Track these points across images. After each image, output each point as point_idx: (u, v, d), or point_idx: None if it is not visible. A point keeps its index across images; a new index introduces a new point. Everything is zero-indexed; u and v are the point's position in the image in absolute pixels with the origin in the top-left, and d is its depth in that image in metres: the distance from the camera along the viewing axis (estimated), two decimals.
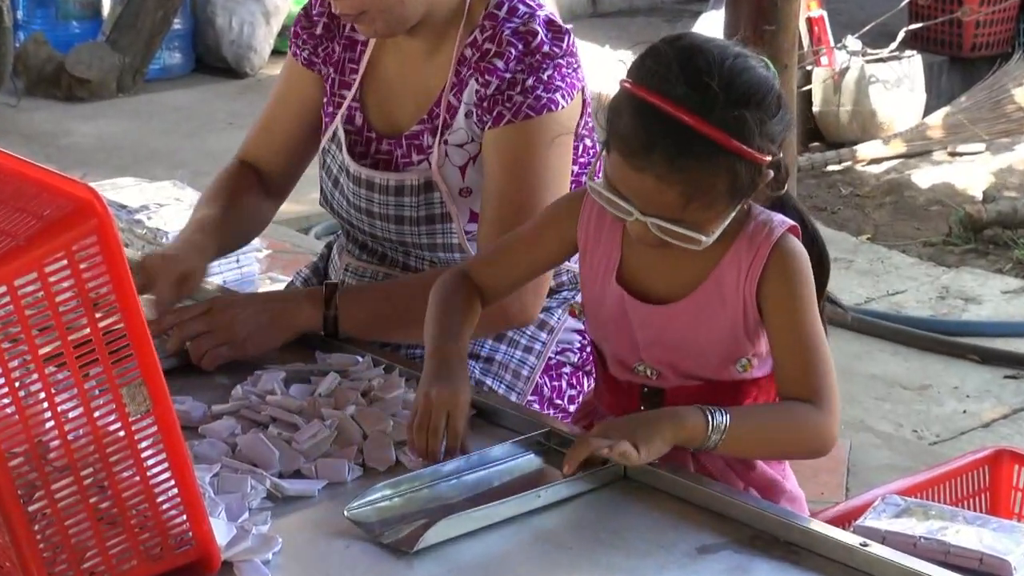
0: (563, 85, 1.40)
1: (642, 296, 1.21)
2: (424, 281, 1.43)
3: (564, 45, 1.41)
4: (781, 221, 1.18)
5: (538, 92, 1.38)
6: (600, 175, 1.17)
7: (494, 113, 1.39)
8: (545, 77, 1.39)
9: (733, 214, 1.14)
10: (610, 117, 1.13)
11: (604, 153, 1.15)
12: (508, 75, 1.39)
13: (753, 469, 1.23)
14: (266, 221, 1.59)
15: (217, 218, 1.47)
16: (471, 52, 1.42)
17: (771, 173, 1.15)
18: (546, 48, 1.40)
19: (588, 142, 1.50)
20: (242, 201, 1.52)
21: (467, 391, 1.18)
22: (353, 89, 1.50)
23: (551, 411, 1.50)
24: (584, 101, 1.46)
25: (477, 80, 1.41)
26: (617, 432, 1.11)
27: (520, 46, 1.40)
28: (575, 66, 1.43)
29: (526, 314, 1.40)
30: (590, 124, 1.49)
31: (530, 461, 1.19)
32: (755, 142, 1.10)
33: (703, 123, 1.09)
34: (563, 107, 1.40)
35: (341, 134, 1.50)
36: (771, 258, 1.16)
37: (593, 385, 1.35)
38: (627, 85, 1.13)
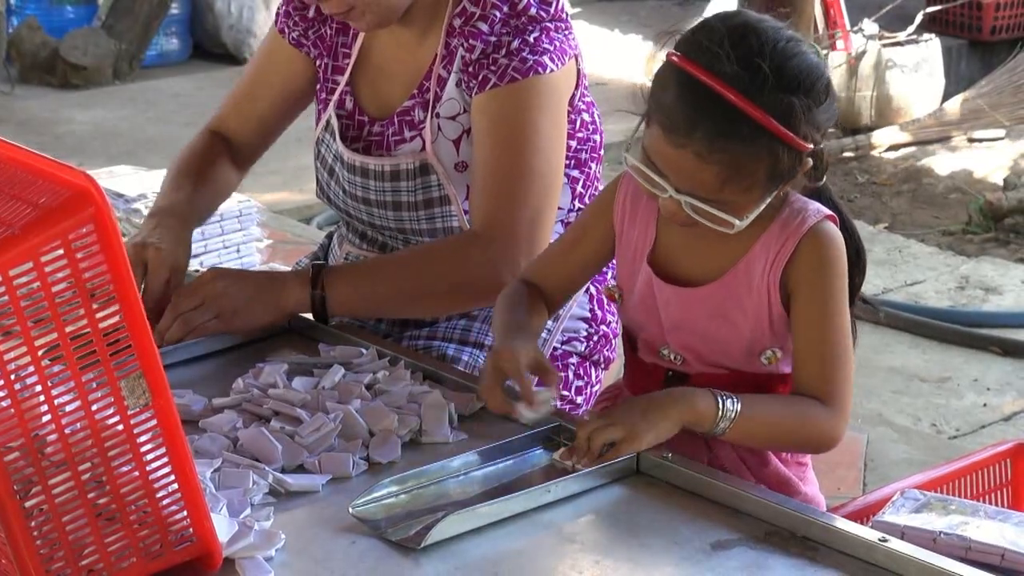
0: (551, 48, 1.37)
1: (672, 279, 1.19)
2: (412, 255, 1.41)
3: (552, 9, 1.39)
4: (817, 210, 1.16)
5: (524, 54, 1.35)
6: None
7: (479, 78, 1.36)
8: (531, 39, 1.36)
9: (769, 200, 1.12)
10: (654, 89, 1.12)
11: (644, 125, 1.13)
12: (493, 38, 1.36)
13: (767, 466, 1.21)
14: (233, 189, 1.59)
15: (189, 201, 1.47)
16: (459, 21, 1.39)
17: (810, 161, 1.13)
18: (532, 11, 1.37)
19: (587, 116, 1.46)
20: (211, 178, 1.51)
21: (530, 347, 1.15)
22: (346, 74, 1.47)
23: (558, 402, 1.48)
24: (579, 71, 1.42)
25: (463, 46, 1.38)
26: (624, 416, 1.10)
27: (505, 8, 1.37)
28: (565, 31, 1.39)
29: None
30: (588, 98, 1.46)
31: (540, 456, 1.16)
32: (800, 129, 1.09)
33: (750, 105, 1.07)
34: (552, 71, 1.36)
35: (335, 122, 1.48)
36: (801, 246, 1.14)
37: (619, 373, 1.33)
38: (675, 59, 1.10)
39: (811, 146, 1.10)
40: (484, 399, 1.16)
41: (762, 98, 1.07)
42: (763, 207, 1.11)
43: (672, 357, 1.21)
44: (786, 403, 1.16)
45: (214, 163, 1.52)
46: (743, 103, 1.07)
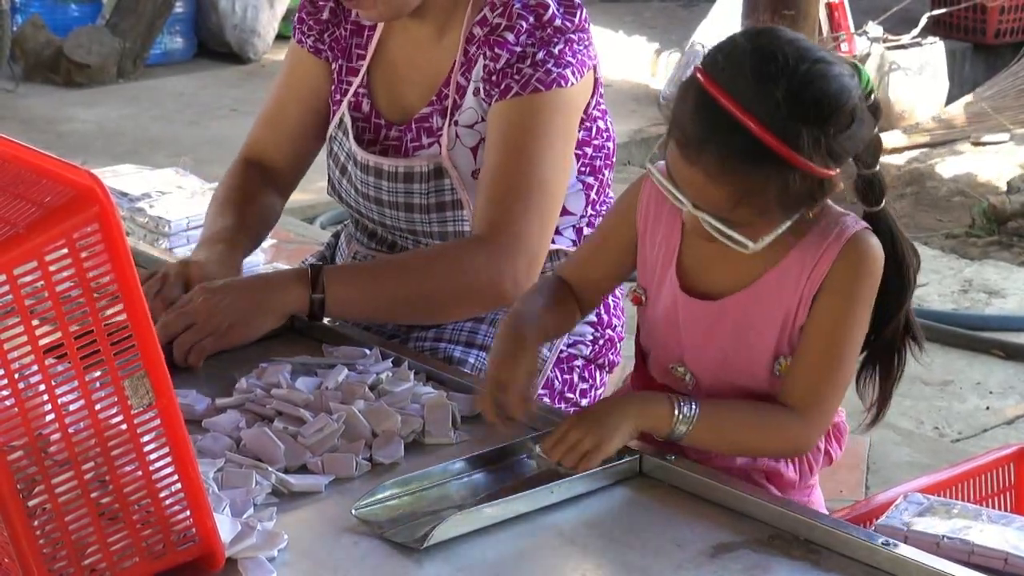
0: (574, 61, 1.37)
1: (698, 293, 1.18)
2: (413, 259, 1.41)
3: (576, 20, 1.39)
4: (854, 220, 1.15)
5: (548, 66, 1.35)
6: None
7: (502, 86, 1.37)
8: (556, 51, 1.36)
9: (788, 224, 1.11)
10: (676, 102, 1.11)
11: (668, 138, 1.12)
12: (518, 48, 1.36)
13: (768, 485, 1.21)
14: (277, 218, 1.57)
15: (234, 227, 1.45)
16: (480, 30, 1.40)
17: (840, 185, 1.11)
18: (558, 22, 1.37)
19: (602, 124, 1.46)
20: (254, 207, 1.50)
21: (527, 363, 1.15)
22: (360, 75, 1.47)
23: (562, 404, 1.48)
24: (596, 80, 1.43)
25: (486, 55, 1.38)
26: (584, 425, 1.10)
27: (531, 19, 1.37)
28: (587, 42, 1.40)
29: (519, 290, 1.35)
30: (602, 105, 1.46)
31: (544, 459, 1.16)
32: (810, 156, 1.07)
33: (760, 128, 1.06)
34: (572, 84, 1.37)
35: (348, 121, 1.48)
36: (839, 259, 1.13)
37: (622, 376, 1.33)
38: (698, 74, 1.10)
39: (831, 172, 1.09)
40: (483, 408, 1.15)
41: (773, 123, 1.05)
42: (781, 230, 1.11)
43: (685, 377, 1.20)
44: (752, 409, 1.16)
45: (254, 193, 1.50)
46: (754, 126, 1.05)
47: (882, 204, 1.16)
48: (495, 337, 1.19)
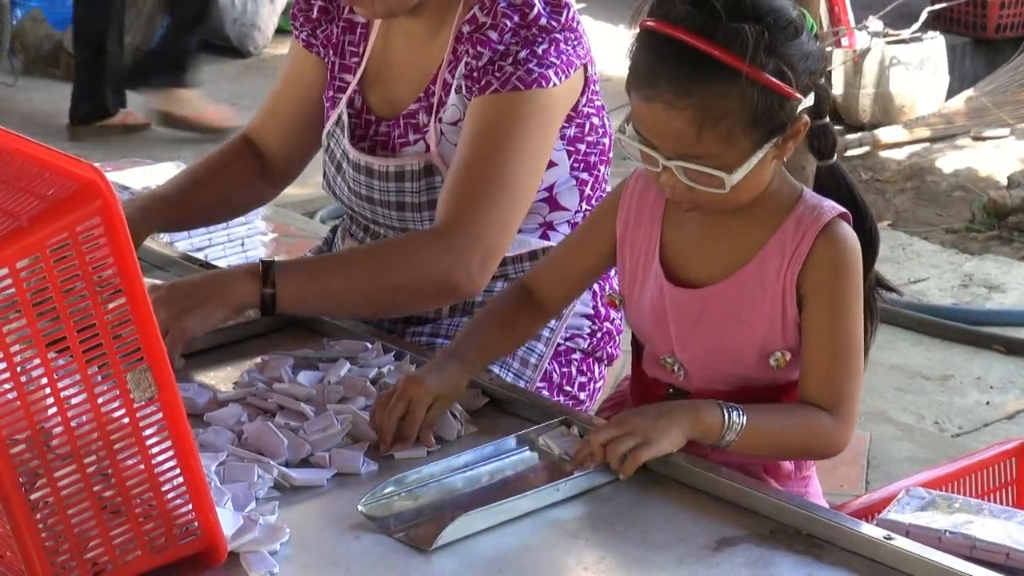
0: (558, 62, 1.36)
1: (681, 282, 1.18)
2: (366, 251, 1.40)
3: (563, 19, 1.37)
4: (831, 207, 1.15)
5: (530, 66, 1.34)
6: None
7: (482, 82, 1.35)
8: (539, 51, 1.35)
9: (760, 154, 1.10)
10: (629, 59, 1.12)
11: (629, 97, 1.12)
12: (501, 47, 1.35)
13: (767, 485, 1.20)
14: (259, 201, 1.57)
15: (181, 191, 1.45)
16: (468, 28, 1.39)
17: (805, 118, 1.11)
18: (543, 21, 1.36)
19: (596, 120, 1.45)
20: (224, 179, 1.50)
21: (441, 387, 1.16)
22: (357, 73, 1.47)
23: (560, 398, 1.47)
24: (587, 78, 1.41)
25: (469, 52, 1.37)
26: (631, 426, 1.09)
27: (516, 18, 1.36)
28: (574, 42, 1.38)
29: (473, 284, 1.33)
30: (597, 102, 1.45)
31: (545, 452, 1.16)
32: (760, 60, 1.06)
33: (703, 41, 1.06)
34: (555, 84, 1.35)
35: (345, 119, 1.48)
36: (816, 244, 1.13)
37: (623, 370, 1.32)
38: (638, 25, 1.12)
39: (787, 88, 1.08)
40: (375, 412, 1.15)
41: (716, 34, 1.06)
42: (755, 161, 1.09)
43: (675, 368, 1.20)
44: (789, 413, 1.16)
45: (232, 168, 1.50)
46: (695, 40, 1.05)
47: (834, 158, 1.16)
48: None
